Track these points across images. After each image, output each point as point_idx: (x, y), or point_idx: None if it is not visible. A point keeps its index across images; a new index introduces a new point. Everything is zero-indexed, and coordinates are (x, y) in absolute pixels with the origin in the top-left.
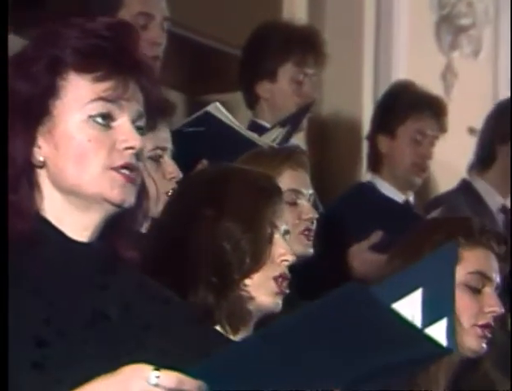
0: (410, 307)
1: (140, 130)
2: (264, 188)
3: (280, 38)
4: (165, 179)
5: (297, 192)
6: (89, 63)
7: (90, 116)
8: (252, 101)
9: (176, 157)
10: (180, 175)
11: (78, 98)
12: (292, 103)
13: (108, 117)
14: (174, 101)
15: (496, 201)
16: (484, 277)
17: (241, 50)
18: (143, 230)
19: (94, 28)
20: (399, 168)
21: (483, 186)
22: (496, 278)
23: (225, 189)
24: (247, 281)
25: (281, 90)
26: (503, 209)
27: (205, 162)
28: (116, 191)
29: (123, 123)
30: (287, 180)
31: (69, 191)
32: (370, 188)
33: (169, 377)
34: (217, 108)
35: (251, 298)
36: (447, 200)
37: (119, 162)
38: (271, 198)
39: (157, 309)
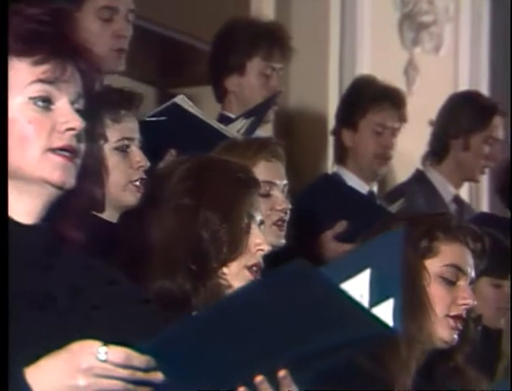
0: (358, 287)
1: (79, 113)
2: (242, 179)
3: (247, 33)
4: (132, 169)
5: (271, 183)
6: (28, 48)
7: (30, 98)
8: (221, 94)
9: (145, 147)
10: (148, 164)
11: (19, 81)
12: (259, 97)
13: (47, 100)
14: (144, 93)
15: (448, 192)
16: (459, 270)
17: (210, 44)
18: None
19: (34, 13)
20: (362, 159)
21: (436, 177)
22: (471, 272)
23: (204, 179)
24: (224, 270)
25: (249, 83)
26: (455, 200)
27: (173, 152)
28: (57, 173)
29: (63, 105)
30: (262, 171)
31: (12, 175)
32: (336, 179)
33: (117, 353)
34: (183, 100)
35: (229, 286)
36: (402, 191)
37: (59, 143)
38: (249, 189)
39: (104, 290)
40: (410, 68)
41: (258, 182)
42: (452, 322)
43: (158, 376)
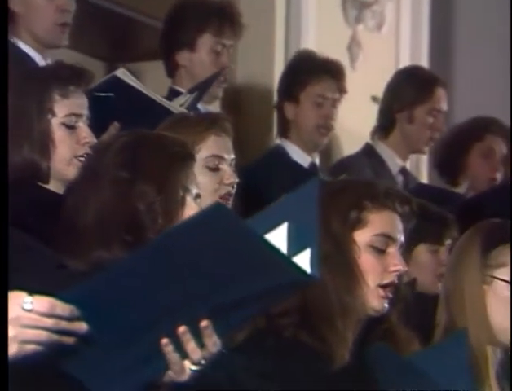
0: (276, 240)
1: None
2: (177, 153)
3: (198, 10)
4: (78, 144)
5: (220, 158)
6: None
7: None
8: (171, 69)
9: (90, 122)
10: (94, 140)
11: None
12: (210, 73)
13: None
14: (94, 68)
15: (396, 164)
16: (389, 238)
17: (162, 20)
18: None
19: None
20: (304, 131)
21: (384, 150)
22: (400, 238)
23: (140, 153)
24: None
25: (200, 59)
26: (402, 171)
27: (116, 124)
28: None
29: None
30: (211, 146)
31: None
32: (280, 152)
33: (42, 302)
34: (124, 73)
35: None
36: (351, 163)
37: None
38: (184, 162)
39: (22, 255)
40: (353, 45)
41: (193, 155)
42: (382, 292)
43: (82, 326)
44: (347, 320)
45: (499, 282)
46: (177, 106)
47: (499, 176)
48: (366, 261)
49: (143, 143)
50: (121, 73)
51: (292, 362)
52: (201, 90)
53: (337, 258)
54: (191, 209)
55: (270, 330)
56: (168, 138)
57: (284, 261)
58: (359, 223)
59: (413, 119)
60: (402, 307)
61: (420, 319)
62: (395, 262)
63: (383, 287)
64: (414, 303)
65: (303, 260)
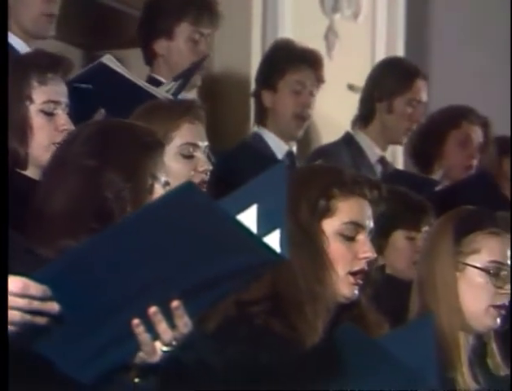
0: (246, 221)
1: None
2: (146, 141)
3: None
4: (56, 131)
5: (194, 145)
6: None
7: None
8: (149, 57)
9: (74, 109)
10: (72, 128)
11: None
12: (188, 61)
13: None
14: (73, 57)
15: (375, 153)
16: (358, 226)
17: (141, 9)
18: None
19: None
20: (282, 119)
21: (364, 140)
22: (370, 224)
23: (108, 142)
24: None
25: (178, 48)
26: (381, 161)
27: (102, 111)
28: None
29: None
30: (185, 133)
31: None
32: (257, 140)
33: (15, 282)
34: (110, 59)
35: None
36: (329, 151)
37: None
38: (152, 150)
39: None
40: (330, 34)
41: (162, 144)
42: (352, 279)
43: (54, 307)
44: (317, 308)
45: (471, 268)
46: (163, 92)
47: (475, 164)
48: (335, 249)
49: (111, 132)
50: (108, 60)
51: (262, 350)
52: (185, 77)
53: (306, 247)
54: None
55: (241, 318)
56: (136, 127)
57: (254, 241)
58: (327, 212)
59: (393, 109)
60: (372, 292)
61: (395, 305)
62: (365, 249)
63: (353, 274)
64: (390, 289)
65: (272, 240)
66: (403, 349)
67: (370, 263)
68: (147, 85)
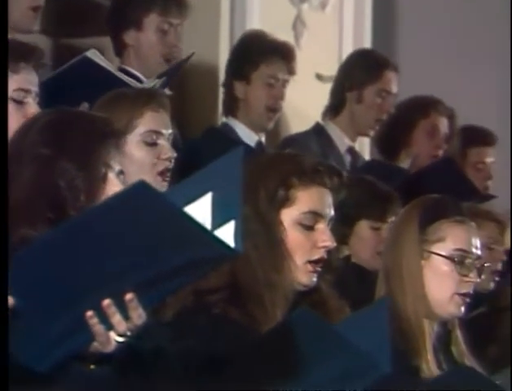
0: (200, 211)
1: None
2: (100, 130)
3: None
4: (25, 119)
5: (157, 133)
6: None
7: None
8: (119, 48)
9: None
10: None
11: None
12: (157, 52)
13: None
14: (41, 45)
15: (344, 143)
16: (317, 215)
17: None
18: None
19: None
20: (254, 110)
21: (333, 130)
22: (330, 212)
23: (62, 131)
24: None
25: (147, 38)
26: (350, 151)
27: (86, 104)
28: None
29: None
30: (148, 121)
31: None
32: (227, 130)
33: None
34: (95, 54)
35: None
36: (298, 140)
37: None
38: (105, 139)
39: None
40: (298, 23)
41: (117, 133)
42: (310, 267)
43: (9, 300)
44: (275, 297)
45: (436, 257)
46: (147, 87)
47: (441, 154)
48: (294, 238)
49: (65, 121)
50: (91, 54)
51: (221, 338)
52: (169, 75)
53: (264, 237)
54: (113, 186)
55: (199, 307)
56: (91, 116)
57: (207, 237)
58: (286, 201)
59: (362, 99)
60: (333, 278)
61: (360, 294)
62: (324, 238)
63: (312, 262)
64: (355, 278)
65: (227, 233)
66: (358, 334)
67: (330, 252)
68: (132, 79)
